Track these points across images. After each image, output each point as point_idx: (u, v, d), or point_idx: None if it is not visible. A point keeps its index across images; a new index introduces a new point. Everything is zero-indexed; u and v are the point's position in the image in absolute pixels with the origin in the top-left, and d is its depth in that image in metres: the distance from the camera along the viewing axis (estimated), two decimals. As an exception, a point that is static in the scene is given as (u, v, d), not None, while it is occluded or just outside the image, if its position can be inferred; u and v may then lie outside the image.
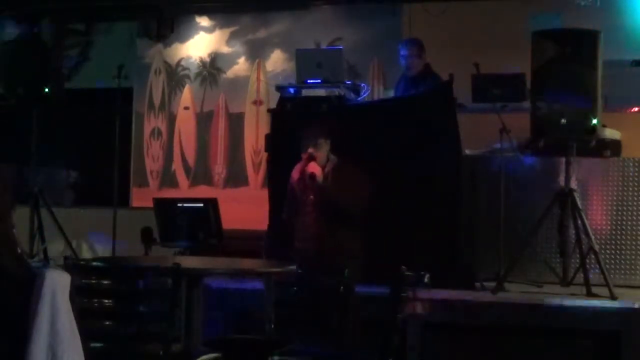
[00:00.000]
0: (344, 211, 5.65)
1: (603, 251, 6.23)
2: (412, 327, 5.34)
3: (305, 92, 6.74)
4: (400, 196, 6.12)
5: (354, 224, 5.71)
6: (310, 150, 5.75)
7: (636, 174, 6.47)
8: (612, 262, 6.40)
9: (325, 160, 5.79)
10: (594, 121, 5.80)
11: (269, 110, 7.34)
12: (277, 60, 9.70)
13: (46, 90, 7.31)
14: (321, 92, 6.65)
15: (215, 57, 9.96)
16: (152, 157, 10.16)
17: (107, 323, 4.04)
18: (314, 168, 5.70)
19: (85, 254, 8.22)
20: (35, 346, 2.85)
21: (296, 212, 5.82)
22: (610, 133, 6.64)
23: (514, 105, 6.79)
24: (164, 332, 3.96)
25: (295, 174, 5.87)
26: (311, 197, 5.76)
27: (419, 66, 7.31)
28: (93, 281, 4.04)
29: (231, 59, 9.90)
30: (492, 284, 5.80)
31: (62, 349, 2.87)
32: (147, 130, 10.19)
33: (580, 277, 5.87)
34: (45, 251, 7.17)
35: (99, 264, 4.29)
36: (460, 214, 6.20)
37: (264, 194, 6.93)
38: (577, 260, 5.94)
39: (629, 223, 6.46)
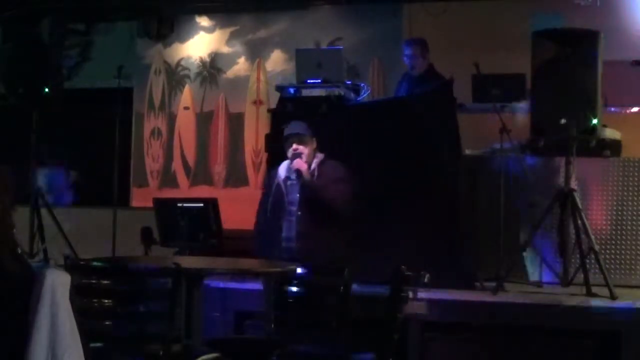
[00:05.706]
0: (330, 209, 5.61)
1: (603, 251, 6.22)
2: (412, 327, 5.35)
3: (305, 92, 6.72)
4: (399, 196, 6.12)
5: (339, 222, 5.67)
6: (294, 146, 5.71)
7: (636, 174, 6.47)
8: (612, 262, 6.40)
9: (312, 158, 5.75)
10: (594, 121, 5.80)
11: (269, 110, 7.33)
12: (277, 60, 9.70)
13: (46, 90, 7.30)
14: (321, 92, 6.63)
15: (215, 57, 9.97)
16: (152, 157, 10.16)
17: (107, 323, 4.03)
18: (300, 165, 5.67)
19: (85, 254, 8.21)
20: (35, 345, 2.85)
21: (282, 211, 5.74)
22: (610, 133, 6.63)
23: (514, 106, 6.80)
24: (164, 332, 3.96)
25: (282, 172, 5.81)
26: (297, 195, 5.72)
27: (424, 66, 7.32)
28: (93, 281, 4.04)
29: (231, 59, 9.91)
30: (492, 284, 5.80)
31: (62, 349, 2.87)
32: (147, 130, 10.20)
33: (580, 277, 5.86)
34: (45, 251, 7.16)
35: (99, 264, 4.28)
36: (460, 213, 6.20)
37: (264, 194, 6.92)
38: (577, 260, 5.94)
39: (629, 223, 6.45)
